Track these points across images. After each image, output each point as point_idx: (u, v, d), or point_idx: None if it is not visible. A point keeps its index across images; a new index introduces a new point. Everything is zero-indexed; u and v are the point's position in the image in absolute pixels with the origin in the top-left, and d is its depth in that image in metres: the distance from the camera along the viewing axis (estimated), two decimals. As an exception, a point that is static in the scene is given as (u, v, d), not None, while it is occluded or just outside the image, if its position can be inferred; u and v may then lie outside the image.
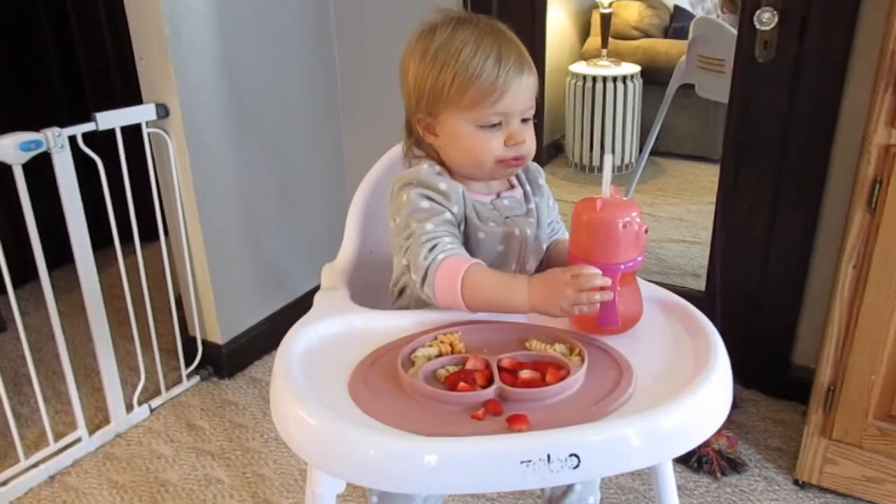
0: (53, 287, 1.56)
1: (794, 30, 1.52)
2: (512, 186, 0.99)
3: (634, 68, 3.45)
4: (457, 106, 0.88)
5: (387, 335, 0.79)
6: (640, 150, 3.45)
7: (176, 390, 1.92)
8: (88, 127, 1.57)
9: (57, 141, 1.49)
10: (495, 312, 0.83)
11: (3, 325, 2.21)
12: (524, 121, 0.90)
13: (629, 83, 3.40)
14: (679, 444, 0.67)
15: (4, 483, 1.56)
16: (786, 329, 1.76)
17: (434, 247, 0.84)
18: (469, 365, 0.72)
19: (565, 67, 3.51)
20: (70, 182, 1.55)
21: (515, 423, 0.63)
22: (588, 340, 0.77)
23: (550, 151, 3.67)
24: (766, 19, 1.53)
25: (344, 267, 1.01)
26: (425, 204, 0.88)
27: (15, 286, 1.55)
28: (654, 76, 3.40)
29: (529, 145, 0.91)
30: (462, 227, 0.91)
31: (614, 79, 3.36)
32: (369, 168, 1.12)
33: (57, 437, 1.67)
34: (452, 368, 0.72)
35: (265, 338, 2.06)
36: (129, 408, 1.81)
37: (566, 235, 1.05)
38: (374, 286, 0.98)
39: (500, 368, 0.71)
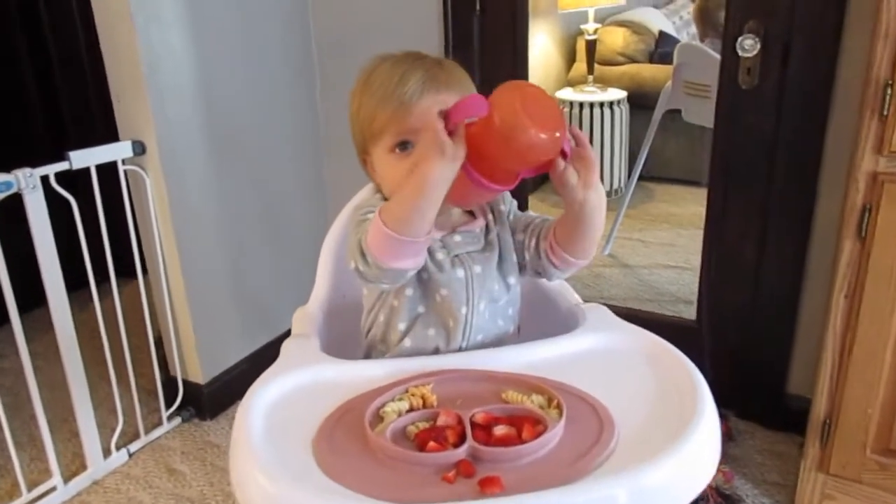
0: (33, 328, 1.51)
1: (778, 56, 1.50)
2: (474, 217, 0.93)
3: (621, 94, 3.44)
4: (373, 135, 0.86)
5: (356, 387, 0.75)
6: (629, 176, 3.43)
7: (156, 433, 1.86)
8: (62, 166, 1.53)
9: (28, 181, 1.46)
10: (422, 212, 0.73)
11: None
12: None
13: (616, 108, 3.40)
14: (667, 502, 0.63)
15: (-26, 537, 1.50)
16: (779, 358, 1.72)
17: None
18: (440, 421, 0.68)
19: (552, 94, 3.51)
20: (42, 223, 1.51)
21: (488, 487, 0.59)
22: (567, 390, 0.73)
23: (537, 179, 3.65)
24: (749, 46, 1.51)
25: (315, 311, 0.97)
26: (370, 216, 0.82)
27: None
28: (640, 101, 3.39)
29: None
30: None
31: (601, 104, 3.36)
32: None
33: (31, 486, 1.61)
34: (423, 425, 0.68)
35: (249, 376, 1.95)
36: (107, 452, 1.75)
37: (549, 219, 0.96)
38: (348, 332, 0.94)
39: (474, 424, 0.67)
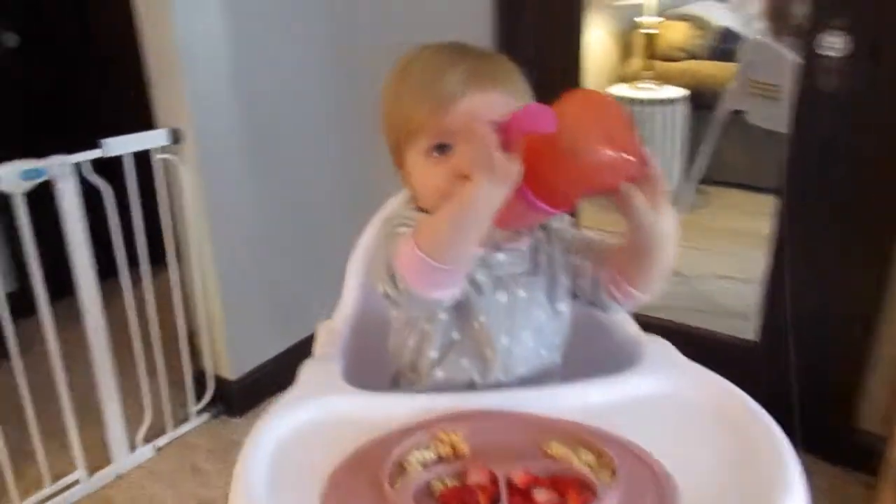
0: (64, 317, 1.48)
1: (864, 57, 1.35)
2: (521, 234, 0.82)
3: (679, 91, 3.28)
4: (408, 135, 0.76)
5: (378, 425, 0.66)
6: (686, 179, 3.27)
7: (183, 428, 1.82)
8: (95, 154, 1.48)
9: (61, 169, 1.41)
10: (463, 238, 0.64)
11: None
12: None
13: (673, 107, 3.23)
14: None
15: (-5, 528, 1.48)
16: (850, 387, 1.57)
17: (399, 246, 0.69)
18: (472, 478, 0.58)
19: (604, 90, 3.37)
20: (74, 211, 1.46)
21: (524, 569, 0.50)
22: (622, 446, 0.63)
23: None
24: (832, 44, 1.37)
25: (341, 328, 0.88)
26: (402, 229, 0.74)
27: (27, 314, 1.49)
28: (699, 99, 3.22)
29: None
30: None
31: (657, 102, 3.20)
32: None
33: (55, 478, 1.58)
34: (451, 482, 0.59)
35: (280, 374, 1.93)
36: (133, 446, 1.71)
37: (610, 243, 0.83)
38: (375, 351, 0.85)
39: (510, 486, 0.57)
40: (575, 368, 0.80)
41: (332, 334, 0.88)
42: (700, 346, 1.76)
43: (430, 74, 0.74)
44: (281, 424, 0.66)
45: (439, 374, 0.79)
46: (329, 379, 0.75)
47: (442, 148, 0.74)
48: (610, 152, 0.60)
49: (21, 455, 1.54)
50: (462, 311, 0.78)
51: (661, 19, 3.37)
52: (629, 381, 0.73)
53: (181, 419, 1.83)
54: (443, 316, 0.78)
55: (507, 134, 0.60)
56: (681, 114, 3.25)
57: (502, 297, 0.78)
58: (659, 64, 3.41)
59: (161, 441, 1.77)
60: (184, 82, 1.57)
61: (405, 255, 0.66)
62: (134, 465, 1.70)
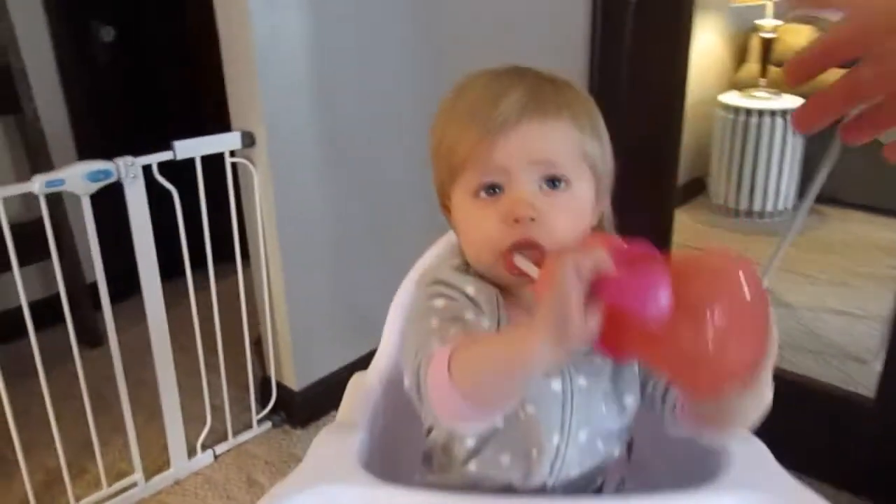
0: (128, 317, 1.46)
1: None
2: None
3: (798, 101, 2.98)
4: (452, 172, 0.64)
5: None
6: (800, 196, 2.99)
7: (244, 436, 1.78)
8: (166, 156, 1.45)
9: (129, 171, 1.39)
10: (506, 391, 0.54)
11: (97, 340, 2.18)
12: (550, 183, 0.62)
13: (790, 119, 2.94)
14: None
15: (52, 526, 1.48)
16: None
17: (434, 339, 0.60)
18: None
19: (713, 98, 3.11)
20: (141, 213, 1.44)
21: None
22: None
23: (689, 190, 3.27)
24: None
25: (373, 383, 0.78)
26: (440, 302, 0.64)
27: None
28: (822, 112, 2.92)
29: (554, 229, 0.61)
30: None
31: (772, 113, 2.92)
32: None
33: (113, 480, 1.57)
34: None
35: (345, 388, 1.88)
36: (192, 452, 1.69)
37: None
38: (411, 410, 0.73)
39: None
40: (639, 462, 0.66)
41: (362, 392, 0.77)
42: (802, 395, 1.57)
43: (482, 99, 0.63)
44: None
45: (473, 467, 0.66)
46: (341, 459, 0.64)
47: (492, 189, 0.62)
48: (733, 378, 0.47)
49: (85, 454, 1.54)
50: None
51: (781, 22, 3.08)
52: (709, 498, 0.58)
53: (242, 426, 1.79)
54: None
55: (598, 296, 0.47)
56: (798, 126, 2.96)
57: (556, 385, 0.64)
58: (777, 71, 3.13)
59: (220, 448, 1.74)
60: (258, 84, 1.52)
61: (435, 378, 0.55)
62: (191, 471, 1.68)
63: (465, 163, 0.63)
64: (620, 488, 0.70)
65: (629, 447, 0.71)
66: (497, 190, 0.62)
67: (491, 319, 0.63)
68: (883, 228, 2.84)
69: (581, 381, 0.64)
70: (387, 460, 0.66)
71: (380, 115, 1.78)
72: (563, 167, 0.62)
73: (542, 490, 0.65)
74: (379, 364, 0.82)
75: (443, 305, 0.63)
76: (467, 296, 0.64)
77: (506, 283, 0.65)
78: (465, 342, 0.56)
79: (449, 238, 0.83)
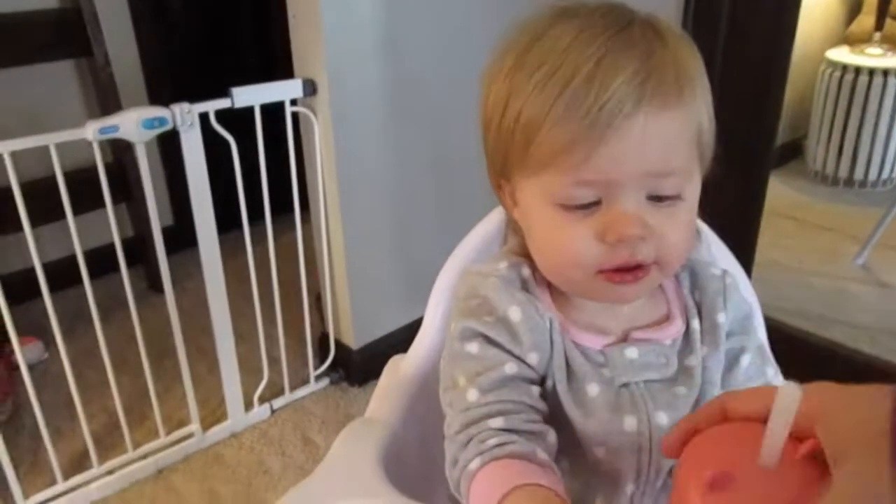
0: (187, 267, 1.44)
1: None
2: (667, 318, 0.56)
3: (917, 58, 2.68)
4: (524, 164, 0.50)
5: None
6: (908, 165, 2.71)
7: (301, 391, 1.76)
8: (223, 104, 1.39)
9: (185, 118, 1.34)
10: None
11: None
12: (657, 199, 0.49)
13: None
14: None
15: (112, 471, 1.49)
16: None
17: (471, 440, 0.49)
18: None
19: (820, 54, 2.83)
20: (198, 162, 1.39)
21: None
22: None
23: (784, 153, 3.02)
24: None
25: (413, 372, 0.70)
26: (474, 348, 0.52)
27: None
28: (943, 71, 2.62)
29: (666, 245, 0.49)
30: (552, 385, 0.52)
31: (885, 72, 2.64)
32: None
33: (171, 429, 1.58)
34: None
35: (404, 348, 1.82)
36: (249, 405, 1.68)
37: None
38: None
39: None
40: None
41: (395, 383, 0.69)
42: (889, 383, 1.41)
43: (574, 71, 0.46)
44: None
45: None
46: (361, 466, 0.56)
47: (587, 206, 0.49)
48: None
49: (147, 400, 1.55)
50: (569, 434, 0.53)
51: (903, -31, 2.76)
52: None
53: (300, 382, 1.77)
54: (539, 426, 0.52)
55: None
56: (914, 87, 2.67)
57: (631, 423, 0.52)
58: (894, 25, 2.81)
59: (277, 402, 1.72)
60: (322, 29, 1.43)
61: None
62: (248, 424, 1.67)
63: (552, 161, 0.48)
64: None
65: None
66: (594, 205, 0.49)
67: (539, 351, 0.53)
68: None
69: (661, 419, 0.52)
70: (423, 459, 0.58)
71: (451, 65, 1.66)
72: (679, 175, 0.49)
73: None
74: (417, 352, 0.74)
75: (478, 353, 0.52)
76: (507, 323, 0.53)
77: (577, 294, 0.54)
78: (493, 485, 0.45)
79: (501, 214, 0.73)
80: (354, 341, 1.78)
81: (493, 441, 0.48)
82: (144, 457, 1.53)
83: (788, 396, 0.37)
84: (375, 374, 1.82)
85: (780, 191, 2.78)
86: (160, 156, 2.24)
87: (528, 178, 0.51)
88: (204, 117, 1.37)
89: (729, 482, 0.37)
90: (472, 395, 0.51)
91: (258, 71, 2.12)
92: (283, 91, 1.47)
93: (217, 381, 1.62)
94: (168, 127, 1.32)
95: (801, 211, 2.63)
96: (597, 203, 0.49)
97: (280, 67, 1.63)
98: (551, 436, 0.50)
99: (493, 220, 0.74)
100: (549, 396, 0.53)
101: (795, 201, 2.75)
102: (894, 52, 2.71)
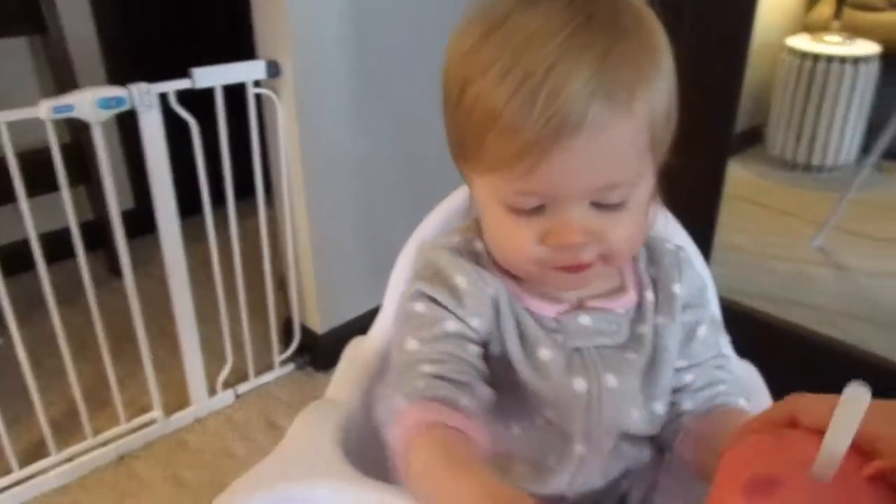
0: (148, 252, 1.42)
1: None
2: (621, 289, 0.58)
3: (872, 48, 2.75)
4: (477, 161, 0.51)
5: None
6: (865, 150, 2.78)
7: (266, 377, 1.75)
8: (182, 84, 1.36)
9: (144, 99, 1.31)
10: None
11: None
12: (602, 206, 0.50)
13: (863, 66, 2.71)
14: None
15: (71, 459, 1.47)
16: None
17: (402, 382, 0.53)
18: None
19: (780, 42, 2.88)
20: (157, 145, 1.36)
21: None
22: None
23: (744, 139, 3.08)
24: None
25: (373, 353, 0.70)
26: (420, 307, 0.55)
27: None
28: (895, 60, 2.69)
29: (610, 246, 0.51)
30: (500, 350, 0.55)
31: (842, 59, 2.70)
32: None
33: (140, 412, 1.55)
34: None
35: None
36: (213, 391, 1.66)
37: (740, 403, 0.59)
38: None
39: None
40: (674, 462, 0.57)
41: (356, 364, 0.69)
42: (855, 365, 1.45)
43: (515, 83, 0.45)
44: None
45: None
46: (318, 445, 0.57)
47: (537, 208, 0.50)
48: None
49: (104, 389, 1.52)
50: (520, 398, 0.55)
51: (861, -42, 2.82)
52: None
53: (265, 367, 1.76)
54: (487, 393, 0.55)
55: None
56: (871, 75, 2.74)
57: (581, 384, 0.54)
58: (852, 14, 2.88)
59: (242, 388, 1.71)
60: (285, 8, 1.41)
61: (395, 446, 0.50)
62: (212, 410, 1.65)
63: (499, 167, 0.49)
64: (650, 496, 0.62)
65: (660, 446, 0.62)
66: (543, 210, 0.50)
67: (481, 317, 0.55)
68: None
69: (610, 381, 0.55)
70: (382, 440, 0.58)
71: (416, 46, 1.66)
72: (625, 186, 0.49)
73: (559, 500, 0.57)
74: (377, 334, 0.74)
75: (423, 311, 0.55)
76: (452, 287, 0.55)
77: (530, 279, 0.56)
78: (423, 447, 0.48)
79: (462, 193, 0.73)
80: (320, 326, 1.77)
81: (421, 384, 0.51)
82: (105, 443, 1.50)
83: (855, 401, 0.32)
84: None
85: (740, 176, 2.84)
86: (120, 137, 2.19)
87: (480, 175, 0.52)
88: (164, 98, 1.34)
89: (774, 488, 0.34)
90: (412, 344, 0.54)
91: (224, 50, 2.08)
92: (245, 72, 1.44)
93: (180, 366, 1.60)
94: (126, 107, 1.29)
95: (761, 195, 2.69)
96: (542, 206, 0.50)
97: (247, 47, 1.60)
98: (481, 390, 0.53)
99: (455, 199, 0.74)
100: (499, 361, 0.55)
101: (755, 186, 2.81)
102: (852, 39, 2.77)
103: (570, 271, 0.52)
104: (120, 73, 2.08)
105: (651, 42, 0.49)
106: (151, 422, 1.56)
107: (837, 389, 0.36)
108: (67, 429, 1.53)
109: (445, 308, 0.54)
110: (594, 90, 0.45)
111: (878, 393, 0.51)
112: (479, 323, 0.54)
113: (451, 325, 0.54)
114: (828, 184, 2.80)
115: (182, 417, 1.61)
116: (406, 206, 1.80)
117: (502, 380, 0.55)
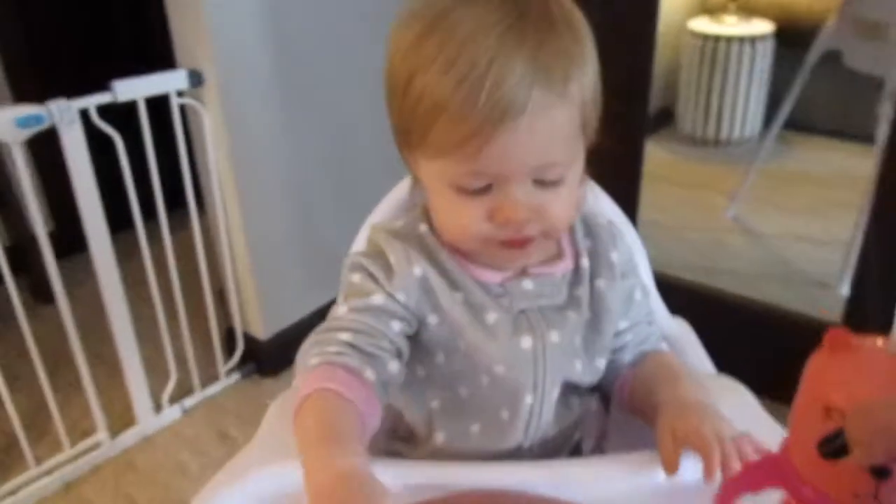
0: (86, 270, 1.40)
1: None
2: (559, 255, 0.64)
3: (766, 27, 2.93)
4: (424, 148, 0.55)
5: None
6: (766, 124, 2.96)
7: (212, 389, 1.73)
8: (103, 98, 1.34)
9: (64, 115, 1.28)
10: None
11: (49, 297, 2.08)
12: (542, 183, 0.55)
13: (759, 45, 2.89)
14: None
15: (14, 492, 1.42)
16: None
17: (320, 342, 0.57)
18: None
19: (683, 24, 3.03)
20: (82, 161, 1.34)
21: None
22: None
23: (657, 120, 3.22)
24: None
25: None
26: (356, 278, 0.60)
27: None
28: (790, 37, 2.87)
29: (549, 220, 0.56)
30: (437, 322, 0.60)
31: (741, 39, 2.86)
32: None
33: (83, 436, 1.52)
34: None
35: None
36: (159, 407, 1.64)
37: (662, 346, 0.69)
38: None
39: None
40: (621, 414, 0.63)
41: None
42: (769, 322, 1.56)
43: (459, 74, 0.50)
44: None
45: (440, 438, 0.62)
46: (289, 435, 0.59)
47: (482, 188, 0.55)
48: None
49: (46, 414, 1.47)
50: (470, 360, 0.60)
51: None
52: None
53: (210, 379, 1.74)
54: (440, 359, 0.61)
55: None
56: (767, 52, 2.92)
57: (527, 341, 0.59)
58: (745, -7, 3.05)
59: (189, 402, 1.69)
60: (204, 15, 1.40)
61: (295, 398, 0.54)
62: (160, 426, 1.63)
63: (448, 151, 0.53)
64: (601, 444, 0.67)
65: (606, 399, 0.68)
66: (489, 189, 0.55)
67: (407, 293, 0.59)
68: (847, 152, 2.83)
69: (554, 337, 0.60)
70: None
71: (339, 48, 1.67)
72: (562, 164, 0.55)
73: (517, 452, 0.62)
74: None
75: (357, 281, 0.60)
76: (384, 264, 0.60)
77: (475, 254, 0.61)
78: (309, 407, 0.53)
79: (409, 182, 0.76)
80: (263, 332, 1.77)
81: (333, 349, 0.56)
82: (49, 472, 1.46)
83: None
84: (288, 362, 1.82)
85: (655, 154, 2.97)
86: (31, 158, 2.11)
87: (428, 160, 0.56)
88: (84, 113, 1.31)
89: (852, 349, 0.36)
90: (341, 311, 0.59)
91: (134, 60, 2.04)
92: (167, 83, 1.43)
93: (121, 386, 1.57)
94: (46, 125, 1.25)
95: (676, 172, 2.83)
96: (489, 186, 0.55)
97: (159, 56, 1.57)
98: (391, 365, 0.58)
99: (402, 188, 0.77)
100: (440, 331, 0.59)
101: (670, 163, 2.95)
102: (748, 20, 2.94)
103: (514, 246, 0.57)
104: (28, 92, 2.00)
105: (579, 33, 0.55)
106: (96, 445, 1.53)
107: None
108: (7, 462, 1.48)
109: (376, 281, 0.59)
110: (533, 77, 0.50)
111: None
112: (405, 298, 0.59)
113: (378, 299, 0.58)
114: (736, 157, 2.97)
115: (128, 437, 1.58)
116: (340, 204, 1.82)
117: (444, 349, 0.60)
